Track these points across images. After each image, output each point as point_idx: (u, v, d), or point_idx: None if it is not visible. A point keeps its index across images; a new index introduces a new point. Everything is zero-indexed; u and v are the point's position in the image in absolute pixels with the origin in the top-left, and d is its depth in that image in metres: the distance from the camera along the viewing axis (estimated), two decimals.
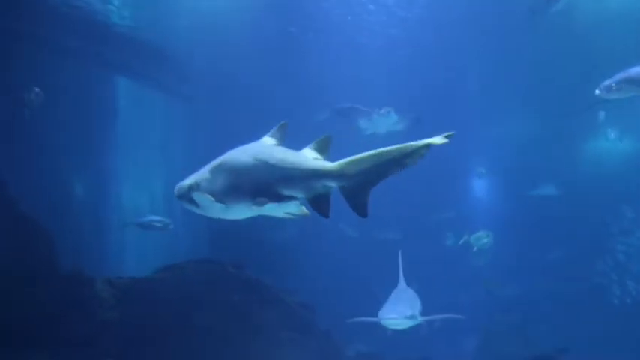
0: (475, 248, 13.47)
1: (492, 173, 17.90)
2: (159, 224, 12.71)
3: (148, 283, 10.13)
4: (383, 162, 4.92)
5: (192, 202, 5.30)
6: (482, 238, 13.39)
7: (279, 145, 5.45)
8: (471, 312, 15.94)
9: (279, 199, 5.12)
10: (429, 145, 4.71)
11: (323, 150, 5.26)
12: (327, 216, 5.10)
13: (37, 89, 10.50)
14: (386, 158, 4.90)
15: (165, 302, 9.85)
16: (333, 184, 5.05)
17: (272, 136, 5.52)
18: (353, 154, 4.90)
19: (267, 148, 5.39)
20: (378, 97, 13.83)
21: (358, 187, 5.00)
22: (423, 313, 9.24)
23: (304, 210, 5.24)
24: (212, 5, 12.61)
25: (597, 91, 9.23)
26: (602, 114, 14.89)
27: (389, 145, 4.81)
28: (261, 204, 5.08)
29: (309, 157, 5.19)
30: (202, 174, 5.32)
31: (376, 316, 9.00)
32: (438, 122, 15.73)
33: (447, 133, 4.63)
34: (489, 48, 14.32)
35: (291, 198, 5.13)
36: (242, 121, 14.70)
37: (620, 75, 8.96)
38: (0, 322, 8.32)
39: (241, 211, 5.29)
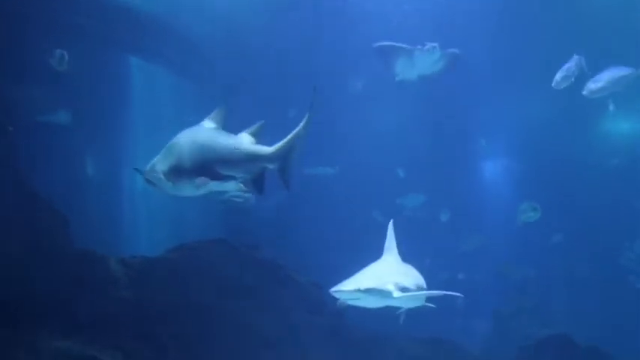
0: (520, 222, 12.41)
1: (507, 153, 17.76)
2: (239, 199, 12.84)
3: (162, 262, 10.19)
4: (298, 141, 6.03)
5: (149, 181, 5.95)
6: (528, 211, 12.25)
7: (218, 128, 6.14)
8: (483, 293, 15.96)
9: (220, 178, 5.78)
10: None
11: (257, 135, 6.15)
12: (261, 193, 6.08)
13: (59, 51, 9.74)
14: (298, 138, 6.02)
15: (179, 282, 9.91)
16: (270, 166, 5.98)
17: (212, 120, 6.19)
18: None
19: (209, 131, 6.09)
20: None
21: (288, 166, 5.99)
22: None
23: (242, 187, 6.05)
24: None
25: (584, 92, 10.42)
26: (611, 105, 14.68)
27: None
28: (203, 183, 5.72)
29: (246, 141, 6.06)
30: (159, 156, 5.99)
31: None
32: (449, 103, 15.76)
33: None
34: (502, 24, 14.08)
35: (230, 177, 5.82)
36: (255, 101, 14.70)
37: (603, 76, 10.18)
38: (15, 301, 8.42)
39: (188, 189, 5.91)
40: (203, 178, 5.76)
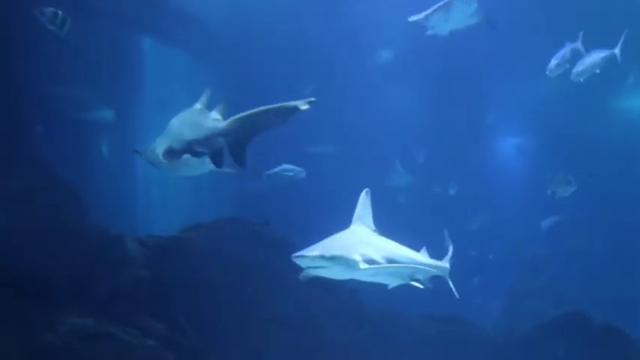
0: (555, 194, 11.72)
1: (519, 130, 17.61)
2: (290, 173, 12.94)
3: (177, 241, 10.30)
4: (259, 120, 5.95)
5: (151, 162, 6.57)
6: (562, 184, 11.48)
7: (204, 109, 6.50)
8: (496, 271, 15.97)
9: (197, 154, 6.16)
10: (295, 108, 5.64)
11: (223, 112, 6.35)
12: (220, 167, 6.22)
13: (51, 9, 8.52)
14: (262, 117, 5.92)
15: (193, 260, 10.02)
16: (222, 140, 6.09)
17: (200, 103, 6.58)
18: None
19: (194, 113, 6.52)
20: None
21: (238, 142, 6.04)
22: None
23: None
24: None
25: (572, 77, 10.57)
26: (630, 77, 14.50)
27: None
28: (186, 159, 6.16)
29: (210, 118, 6.29)
30: (158, 139, 6.46)
31: None
32: (462, 79, 15.62)
33: (310, 99, 5.55)
34: None
35: (203, 153, 6.14)
36: (269, 83, 14.68)
37: (585, 60, 10.37)
38: (34, 278, 8.56)
39: (183, 169, 6.46)
40: (188, 156, 6.21)
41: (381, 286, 10.29)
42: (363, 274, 5.80)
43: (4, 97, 9.03)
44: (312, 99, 5.57)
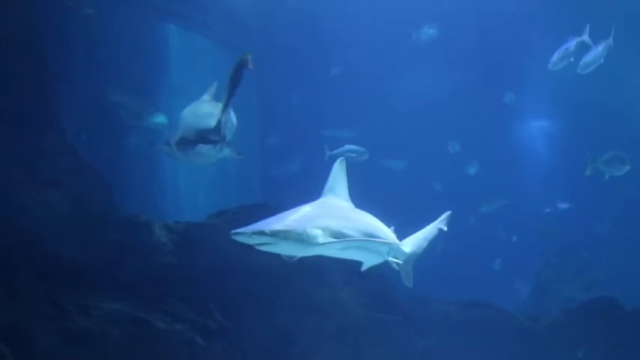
0: (604, 174, 11.18)
1: (543, 110, 17.29)
2: (353, 154, 12.96)
3: (205, 227, 10.36)
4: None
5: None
6: (615, 161, 10.89)
7: (211, 100, 7.07)
8: (523, 255, 15.78)
9: (210, 143, 6.57)
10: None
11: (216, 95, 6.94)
12: (234, 153, 6.86)
13: None
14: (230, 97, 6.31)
15: (221, 246, 10.06)
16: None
17: (208, 94, 7.18)
18: None
19: (203, 103, 7.07)
20: None
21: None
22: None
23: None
24: None
25: (579, 70, 10.85)
26: None
27: None
28: (199, 148, 6.61)
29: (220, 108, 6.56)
30: (172, 130, 7.18)
31: None
32: (491, 46, 15.34)
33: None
34: None
35: (216, 141, 6.58)
36: (295, 64, 14.65)
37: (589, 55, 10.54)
38: (67, 264, 8.71)
39: (197, 158, 6.88)
40: (201, 145, 6.64)
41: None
42: (323, 249, 5.11)
43: (36, 88, 9.13)
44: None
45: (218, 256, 9.90)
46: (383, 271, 11.08)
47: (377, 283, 10.97)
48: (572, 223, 16.19)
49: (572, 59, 10.65)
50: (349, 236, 5.15)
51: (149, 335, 8.67)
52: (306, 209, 5.31)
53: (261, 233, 4.89)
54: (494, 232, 16.07)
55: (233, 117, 7.04)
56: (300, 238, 4.91)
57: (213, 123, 6.47)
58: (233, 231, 4.97)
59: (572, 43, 10.54)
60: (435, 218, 6.54)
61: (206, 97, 7.17)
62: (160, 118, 12.50)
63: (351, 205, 5.72)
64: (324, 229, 5.01)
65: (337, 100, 15.72)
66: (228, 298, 9.78)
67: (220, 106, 6.50)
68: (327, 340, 10.29)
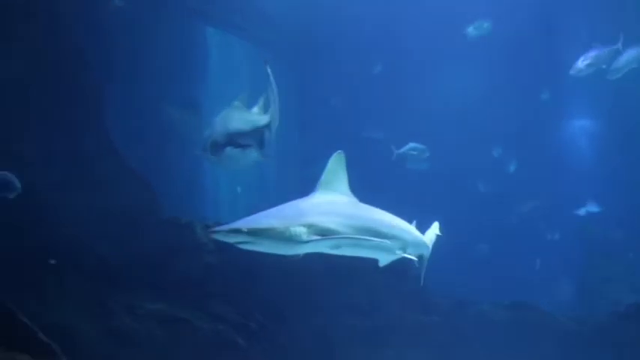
0: None
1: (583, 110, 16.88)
2: (415, 152, 13.49)
3: None
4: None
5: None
6: None
7: (242, 106, 7.66)
8: (568, 255, 15.42)
9: (241, 147, 7.17)
10: None
11: (264, 108, 7.37)
12: (265, 156, 7.41)
13: None
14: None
15: None
16: (265, 131, 7.14)
17: (239, 100, 7.72)
18: None
19: (234, 110, 7.63)
20: None
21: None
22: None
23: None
24: None
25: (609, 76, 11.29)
26: None
27: None
28: (230, 152, 7.23)
29: (250, 113, 7.47)
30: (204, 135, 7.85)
31: None
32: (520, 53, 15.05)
33: None
34: None
35: (248, 145, 7.21)
36: (332, 73, 14.67)
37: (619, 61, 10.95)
38: (111, 265, 8.92)
39: (229, 161, 7.50)
40: (230, 148, 7.19)
41: (447, 272, 10.16)
42: (309, 247, 4.83)
43: (81, 91, 9.36)
44: None
45: (259, 257, 9.96)
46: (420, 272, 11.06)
47: (416, 285, 10.90)
48: (617, 223, 15.79)
49: (603, 66, 10.96)
50: (338, 233, 4.84)
51: (192, 335, 8.82)
52: (293, 206, 5.06)
53: (239, 232, 4.62)
54: (537, 233, 15.75)
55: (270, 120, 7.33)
56: (282, 236, 4.67)
57: (243, 127, 7.09)
58: (211, 229, 4.89)
59: (604, 51, 10.77)
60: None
61: (237, 103, 7.66)
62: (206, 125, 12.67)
63: (354, 200, 5.40)
64: (309, 227, 4.74)
65: (376, 100, 15.68)
66: (269, 299, 9.85)
67: (253, 111, 7.23)
68: (366, 340, 10.29)
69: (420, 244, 6.01)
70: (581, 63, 11.05)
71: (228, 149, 7.14)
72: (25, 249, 8.03)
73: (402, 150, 13.48)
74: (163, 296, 9.12)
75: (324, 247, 4.93)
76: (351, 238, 4.94)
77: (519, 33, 14.76)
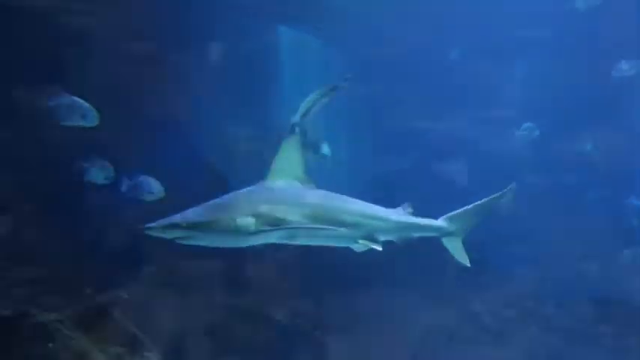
0: None
1: None
2: (525, 131, 13.07)
3: None
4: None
5: None
6: None
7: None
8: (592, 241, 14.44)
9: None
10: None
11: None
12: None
13: None
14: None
15: None
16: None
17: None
18: None
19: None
20: None
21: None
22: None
23: None
24: None
25: None
26: None
27: None
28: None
29: None
30: None
31: None
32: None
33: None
34: None
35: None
36: (403, 67, 14.43)
37: None
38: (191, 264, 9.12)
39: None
40: None
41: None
42: (259, 238, 4.63)
43: (156, 90, 9.62)
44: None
45: (335, 252, 9.98)
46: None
47: (451, 288, 10.62)
48: None
49: None
50: (290, 222, 4.63)
51: (270, 329, 8.92)
52: (239, 195, 4.78)
53: (176, 226, 4.34)
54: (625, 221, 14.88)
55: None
56: (227, 228, 4.43)
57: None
58: (148, 224, 4.41)
59: None
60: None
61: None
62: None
63: (310, 187, 5.11)
64: (258, 217, 4.50)
65: (446, 93, 15.32)
66: (351, 294, 9.85)
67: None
68: (448, 337, 10.14)
69: (409, 228, 5.66)
70: (625, 64, 11.16)
71: None
72: None
73: (520, 131, 12.92)
74: (240, 292, 9.30)
75: (276, 238, 4.74)
76: (304, 228, 4.73)
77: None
